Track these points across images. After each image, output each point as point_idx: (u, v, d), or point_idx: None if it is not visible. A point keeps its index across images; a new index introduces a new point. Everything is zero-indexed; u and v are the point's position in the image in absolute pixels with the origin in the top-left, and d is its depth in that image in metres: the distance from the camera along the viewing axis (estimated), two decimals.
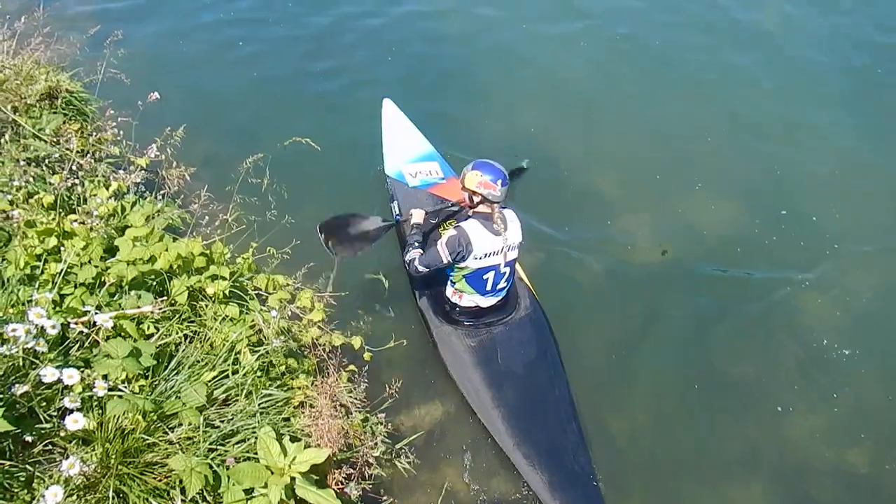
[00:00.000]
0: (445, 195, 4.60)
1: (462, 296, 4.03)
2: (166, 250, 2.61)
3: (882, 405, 4.02)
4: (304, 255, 3.46)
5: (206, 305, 2.74)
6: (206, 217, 3.00)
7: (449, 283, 4.07)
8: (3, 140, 2.90)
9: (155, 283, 2.70)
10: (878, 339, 4.36)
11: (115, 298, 2.60)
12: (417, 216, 4.19)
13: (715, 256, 4.78)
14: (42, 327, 2.22)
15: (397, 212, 4.56)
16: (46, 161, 2.93)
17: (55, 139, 3.16)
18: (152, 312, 2.59)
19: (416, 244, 4.01)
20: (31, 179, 2.70)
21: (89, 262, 2.51)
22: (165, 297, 2.61)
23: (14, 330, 2.14)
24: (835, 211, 5.21)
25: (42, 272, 2.49)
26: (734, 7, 7.40)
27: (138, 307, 2.59)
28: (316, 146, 3.40)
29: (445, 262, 3.83)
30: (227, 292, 2.78)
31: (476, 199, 3.88)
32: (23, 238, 2.53)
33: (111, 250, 2.68)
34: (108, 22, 5.63)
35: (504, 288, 4.08)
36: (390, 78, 5.99)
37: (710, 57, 6.58)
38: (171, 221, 2.81)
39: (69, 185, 2.74)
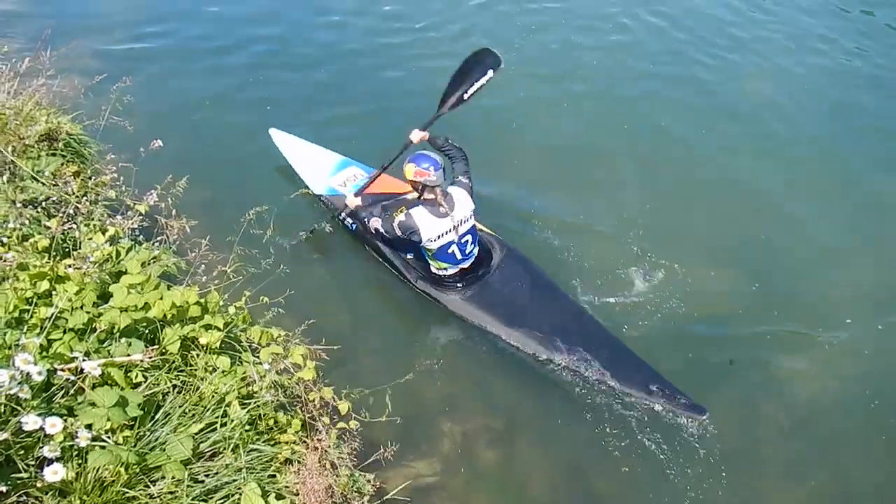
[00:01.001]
0: (381, 190, 4.92)
1: (444, 269, 4.54)
2: (161, 298, 2.55)
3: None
4: (297, 305, 3.45)
5: (198, 355, 2.67)
6: (203, 265, 2.96)
7: (430, 265, 4.56)
8: (0, 181, 2.86)
9: (147, 331, 2.62)
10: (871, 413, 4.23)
11: (104, 345, 2.51)
12: (352, 202, 4.71)
13: (705, 319, 4.66)
14: (27, 373, 2.13)
15: (350, 222, 4.88)
16: (43, 203, 2.88)
17: (53, 181, 3.12)
18: (142, 361, 2.52)
19: (374, 215, 4.56)
20: (26, 222, 2.65)
21: (81, 307, 2.44)
22: (156, 346, 2.54)
23: None
24: (831, 282, 5.08)
25: (31, 316, 2.42)
26: (735, 76, 7.52)
27: (128, 355, 2.50)
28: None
29: (398, 234, 4.32)
30: (219, 343, 2.72)
31: (419, 187, 4.32)
32: (14, 281, 2.47)
33: (104, 296, 2.62)
34: (115, 68, 5.78)
35: (472, 251, 4.57)
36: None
37: (707, 124, 6.62)
38: (167, 268, 2.76)
39: (65, 229, 2.69)
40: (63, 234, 2.75)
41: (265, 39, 7.17)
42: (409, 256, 4.73)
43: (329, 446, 2.95)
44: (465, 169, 4.47)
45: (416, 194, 4.49)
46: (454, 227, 4.33)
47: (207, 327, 2.73)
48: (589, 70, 7.26)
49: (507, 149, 5.98)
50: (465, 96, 4.67)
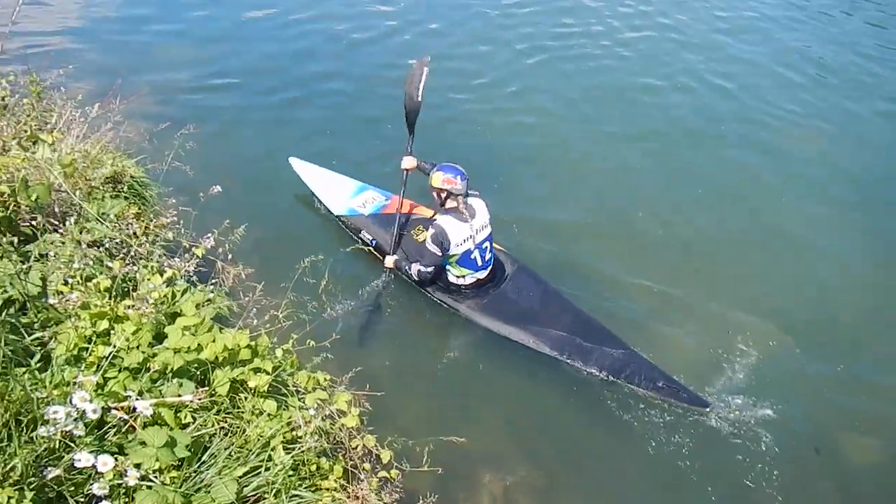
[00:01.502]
0: (396, 211, 5.23)
1: (463, 277, 4.96)
2: (213, 341, 2.59)
3: None
4: (344, 350, 3.51)
5: (246, 398, 2.70)
6: (255, 309, 3.02)
7: (449, 274, 4.98)
8: (68, 223, 2.97)
9: (198, 372, 2.66)
10: None
11: (156, 385, 2.55)
12: (390, 262, 5.06)
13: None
14: (83, 411, 2.18)
15: (370, 238, 5.31)
16: (106, 244, 2.98)
17: (116, 223, 3.23)
18: (192, 402, 2.56)
19: (410, 260, 4.99)
20: (90, 262, 2.74)
21: (137, 347, 2.50)
22: (206, 388, 2.58)
23: (55, 412, 2.11)
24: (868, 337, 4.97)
25: (90, 354, 2.48)
26: (774, 127, 7.54)
27: (179, 395, 2.55)
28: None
29: (440, 254, 4.75)
30: (267, 386, 2.74)
31: (443, 195, 4.76)
32: (76, 320, 2.55)
33: (159, 336, 2.68)
34: (180, 115, 6.20)
35: (490, 259, 5.02)
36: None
37: (747, 173, 6.62)
38: (220, 311, 2.81)
39: (126, 270, 2.77)
40: (124, 274, 2.84)
41: (329, 94, 7.46)
42: (428, 271, 5.00)
43: (369, 495, 2.93)
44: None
45: (425, 215, 5.11)
46: (474, 234, 4.81)
47: (256, 370, 2.76)
48: (650, 128, 7.34)
49: (576, 210, 6.01)
50: (418, 97, 5.02)
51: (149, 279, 2.94)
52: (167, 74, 7.45)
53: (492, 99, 7.58)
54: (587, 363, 4.57)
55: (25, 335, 2.55)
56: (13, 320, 2.56)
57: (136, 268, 2.82)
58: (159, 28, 8.49)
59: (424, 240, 4.91)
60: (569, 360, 4.59)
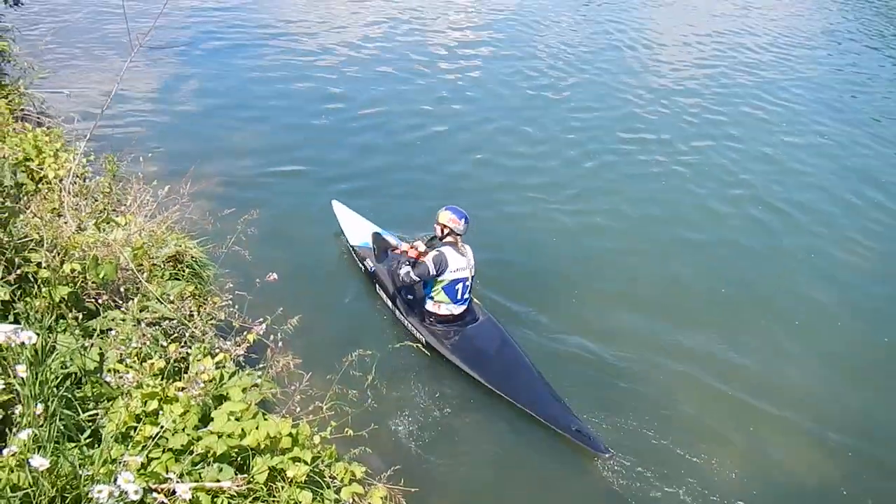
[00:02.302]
0: (407, 253, 5.96)
1: (440, 306, 5.63)
2: (256, 428, 2.62)
3: None
4: (381, 440, 3.53)
5: (283, 487, 2.70)
6: (300, 397, 3.06)
7: (428, 299, 5.64)
8: (130, 303, 3.10)
9: (238, 458, 2.67)
10: None
11: (197, 468, 2.57)
12: (417, 247, 5.78)
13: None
14: (125, 491, 2.21)
15: (371, 266, 6.23)
16: (164, 325, 3.08)
17: (173, 303, 3.35)
18: (230, 488, 2.56)
19: (407, 263, 5.62)
20: (147, 342, 2.83)
21: (183, 430, 2.55)
22: (245, 475, 2.59)
23: (100, 492, 2.15)
24: None
25: (137, 433, 2.53)
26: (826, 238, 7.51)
27: (218, 480, 2.56)
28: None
29: (433, 272, 5.45)
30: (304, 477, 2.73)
31: (445, 231, 5.57)
32: (128, 398, 2.62)
33: (205, 418, 2.71)
34: (245, 199, 6.46)
35: (467, 298, 5.72)
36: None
37: (803, 292, 6.52)
38: (265, 397, 2.86)
39: (182, 353, 2.86)
40: (178, 356, 2.90)
41: (389, 185, 7.77)
42: (409, 297, 5.83)
43: None
44: None
45: (420, 247, 5.79)
46: (468, 266, 5.59)
47: (295, 459, 2.76)
48: (707, 240, 7.35)
49: (626, 316, 6.02)
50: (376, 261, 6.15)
51: (200, 360, 3.02)
52: (237, 161, 7.89)
53: (549, 200, 7.77)
54: (519, 401, 5.08)
55: (80, 410, 2.64)
56: (69, 394, 2.65)
57: (188, 351, 2.90)
58: (233, 116, 9.06)
59: (424, 252, 5.73)
60: (506, 396, 5.11)
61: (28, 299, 2.98)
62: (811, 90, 12.21)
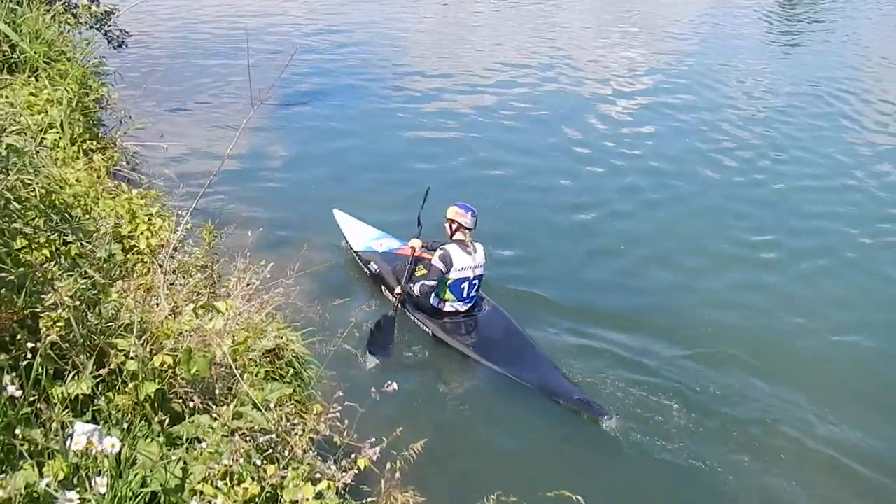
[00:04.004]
0: (408, 254, 7.44)
1: (445, 303, 7.10)
2: None
3: None
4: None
5: None
6: None
7: (434, 297, 7.05)
8: (223, 409, 3.17)
9: None
10: None
11: None
12: (399, 290, 7.10)
13: None
14: None
15: (376, 268, 7.82)
16: (260, 439, 3.12)
17: (271, 410, 3.40)
18: None
19: (416, 279, 7.07)
20: (240, 459, 2.87)
21: None
22: None
23: None
24: None
25: None
26: None
27: None
28: None
29: (444, 269, 6.82)
30: None
31: (454, 226, 6.97)
32: None
33: None
34: (362, 289, 7.12)
35: (474, 297, 7.21)
36: None
37: None
38: None
39: (281, 477, 2.86)
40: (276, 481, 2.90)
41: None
42: (416, 296, 7.09)
43: None
44: None
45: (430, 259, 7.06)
46: (474, 265, 6.96)
47: None
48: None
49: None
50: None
51: (297, 486, 3.02)
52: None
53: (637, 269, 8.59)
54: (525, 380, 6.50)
55: None
56: None
57: (287, 472, 2.91)
58: (353, 183, 9.80)
59: (430, 261, 7.00)
60: (512, 376, 6.53)
61: (110, 395, 3.12)
62: None
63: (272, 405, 3.32)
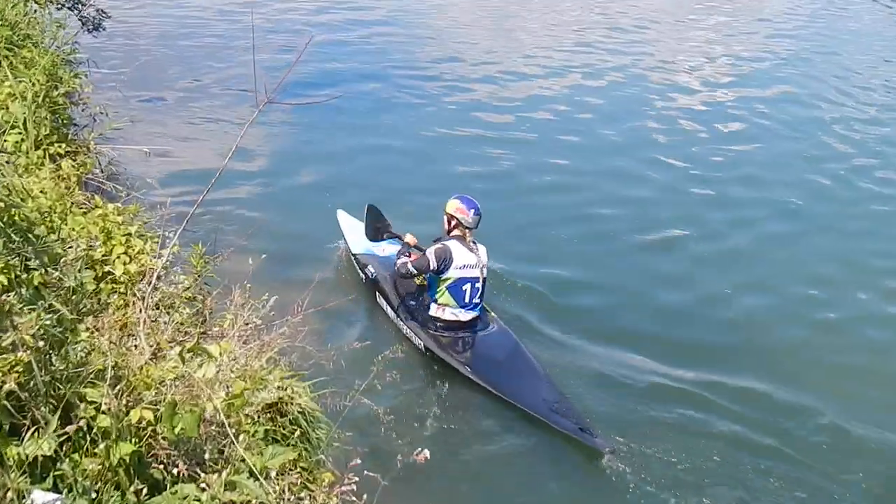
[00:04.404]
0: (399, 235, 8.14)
1: (444, 310, 7.27)
2: None
3: None
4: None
5: None
6: None
7: (433, 301, 7.31)
8: (212, 476, 3.14)
9: None
10: None
11: None
12: (411, 238, 7.73)
13: None
14: None
15: (373, 272, 8.12)
16: None
17: (274, 482, 3.38)
18: None
19: (406, 254, 7.45)
20: None
21: None
22: None
23: None
24: None
25: None
26: None
27: None
28: None
29: (433, 266, 7.03)
30: None
31: (453, 222, 7.20)
32: None
33: None
34: (385, 334, 7.22)
35: (477, 304, 7.37)
36: None
37: None
38: None
39: None
40: None
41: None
42: (412, 303, 7.60)
43: None
44: None
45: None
46: (478, 263, 7.16)
47: None
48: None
49: None
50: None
51: None
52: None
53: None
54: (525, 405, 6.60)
55: None
56: None
57: None
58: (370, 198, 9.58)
59: (421, 283, 7.53)
60: (509, 398, 6.66)
61: (76, 457, 3.10)
62: None
63: (273, 473, 3.30)
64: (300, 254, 8.54)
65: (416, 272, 7.14)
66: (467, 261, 7.04)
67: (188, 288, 4.79)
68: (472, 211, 7.02)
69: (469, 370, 6.90)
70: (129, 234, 5.20)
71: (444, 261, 6.94)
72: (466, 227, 7.08)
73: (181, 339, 4.24)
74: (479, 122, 12.77)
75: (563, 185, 10.93)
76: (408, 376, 6.57)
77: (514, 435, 6.47)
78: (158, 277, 4.55)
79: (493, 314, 7.59)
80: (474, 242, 7.18)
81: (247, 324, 4.38)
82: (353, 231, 8.68)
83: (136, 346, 4.03)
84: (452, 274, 7.01)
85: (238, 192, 9.67)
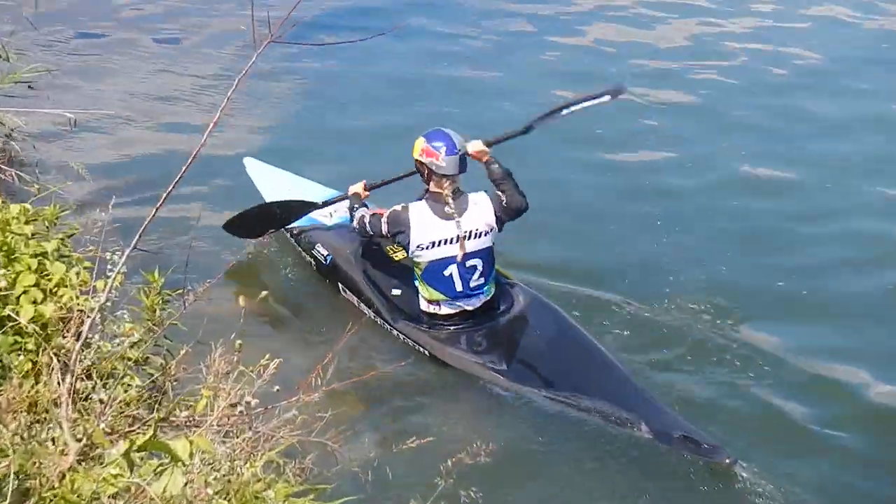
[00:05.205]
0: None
1: (437, 306, 7.12)
2: None
3: None
4: None
5: None
6: None
7: (420, 297, 7.06)
8: None
9: None
10: None
11: None
12: (357, 187, 7.49)
13: None
14: None
15: (325, 253, 7.97)
16: None
17: None
18: None
19: (364, 205, 7.17)
20: None
21: None
22: None
23: None
24: None
25: None
26: None
27: None
28: None
29: (384, 231, 6.92)
30: None
31: (424, 171, 6.75)
32: None
33: None
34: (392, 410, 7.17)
35: (482, 286, 7.01)
36: None
37: None
38: None
39: None
40: None
41: None
42: (396, 292, 7.52)
43: None
44: (504, 192, 6.85)
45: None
46: (459, 236, 6.69)
47: None
48: None
49: None
50: (564, 112, 7.53)
51: None
52: None
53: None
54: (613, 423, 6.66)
55: None
56: None
57: None
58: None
59: (401, 259, 7.38)
60: (570, 403, 6.87)
61: None
62: None
63: None
64: (317, 288, 8.09)
65: (370, 232, 6.90)
66: (438, 235, 6.64)
67: (139, 343, 4.53)
68: (445, 149, 6.59)
69: (504, 379, 6.92)
70: (45, 255, 4.76)
71: (399, 232, 6.74)
72: (443, 176, 6.62)
73: (127, 429, 3.99)
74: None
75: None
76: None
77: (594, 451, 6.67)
78: (92, 326, 4.25)
79: (512, 278, 7.36)
80: (457, 196, 6.75)
81: (233, 405, 4.18)
82: (278, 190, 8.43)
83: (53, 441, 3.88)
84: (418, 256, 6.73)
85: (219, 188, 8.94)
